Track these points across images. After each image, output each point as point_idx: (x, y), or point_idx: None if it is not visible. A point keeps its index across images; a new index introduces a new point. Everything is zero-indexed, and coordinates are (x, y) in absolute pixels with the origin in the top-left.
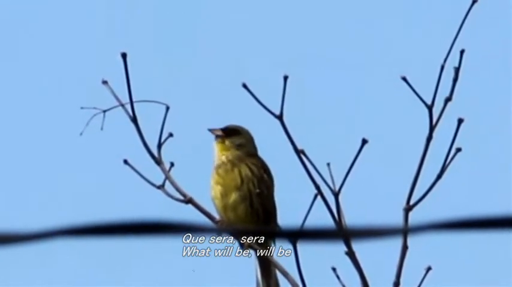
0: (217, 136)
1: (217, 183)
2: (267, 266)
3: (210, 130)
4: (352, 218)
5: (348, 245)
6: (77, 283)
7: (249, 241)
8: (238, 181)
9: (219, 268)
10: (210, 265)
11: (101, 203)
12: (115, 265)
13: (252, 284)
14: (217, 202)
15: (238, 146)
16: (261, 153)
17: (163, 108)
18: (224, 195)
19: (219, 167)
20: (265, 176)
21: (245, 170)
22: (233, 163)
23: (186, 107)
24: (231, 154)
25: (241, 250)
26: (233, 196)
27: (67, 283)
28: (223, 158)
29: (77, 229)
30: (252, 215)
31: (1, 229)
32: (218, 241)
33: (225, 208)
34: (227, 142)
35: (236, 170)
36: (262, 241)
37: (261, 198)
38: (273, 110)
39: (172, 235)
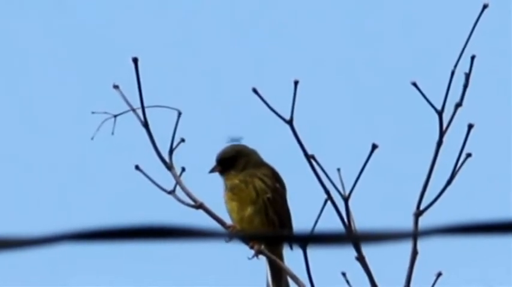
0: (219, 172)
1: (233, 200)
2: (277, 270)
3: (210, 172)
4: (362, 223)
5: (358, 250)
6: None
7: (260, 245)
8: (254, 195)
9: (230, 273)
10: (220, 269)
11: (112, 208)
12: (124, 270)
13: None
14: (234, 214)
15: (244, 167)
16: (271, 158)
17: (175, 113)
18: (240, 209)
19: (233, 188)
20: (277, 185)
21: (259, 184)
22: (246, 181)
23: (198, 112)
24: (242, 175)
25: (252, 255)
26: (249, 210)
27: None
28: (236, 181)
29: (84, 234)
30: (268, 226)
31: (9, 233)
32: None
33: (241, 220)
34: (233, 172)
35: (250, 186)
36: (273, 246)
37: (274, 206)
38: (283, 115)
39: (182, 239)
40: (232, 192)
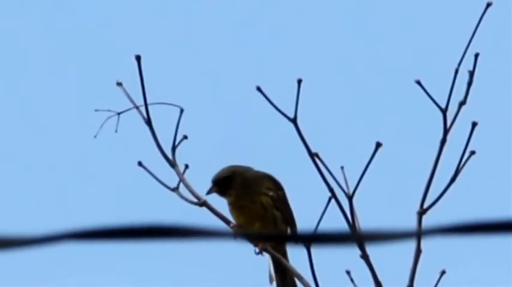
0: (216, 193)
1: (239, 217)
2: (281, 265)
3: (208, 194)
4: (366, 221)
5: (362, 249)
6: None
7: (264, 244)
8: (262, 211)
9: (232, 271)
10: (222, 268)
11: (115, 205)
12: (126, 269)
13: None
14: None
15: (243, 184)
16: (275, 156)
17: (178, 110)
18: (248, 223)
19: (240, 207)
20: (280, 193)
21: (266, 199)
22: (253, 200)
23: (201, 110)
24: (245, 194)
25: (257, 251)
26: (258, 224)
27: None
28: (242, 202)
29: (86, 233)
30: None
31: (10, 232)
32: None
33: None
34: (233, 191)
35: (258, 203)
36: (277, 245)
37: (282, 214)
38: (287, 113)
39: (186, 238)
40: (240, 211)
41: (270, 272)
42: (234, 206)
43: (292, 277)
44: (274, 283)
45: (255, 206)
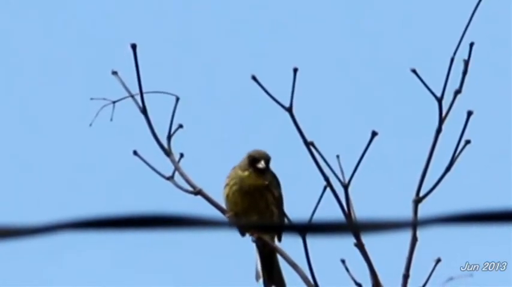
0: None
1: (237, 204)
2: (269, 258)
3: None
4: (361, 210)
5: (357, 238)
6: (80, 277)
7: (258, 233)
8: (263, 206)
9: (221, 262)
10: (213, 259)
11: (111, 194)
12: (119, 259)
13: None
14: (238, 207)
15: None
16: (271, 145)
17: (173, 99)
18: (246, 214)
19: (247, 193)
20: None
21: (270, 198)
22: (262, 194)
23: (196, 99)
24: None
25: (252, 241)
26: (255, 217)
27: (72, 277)
28: (251, 189)
29: (83, 222)
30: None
31: (8, 222)
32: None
33: (243, 212)
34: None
35: (263, 199)
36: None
37: (279, 212)
38: (282, 102)
39: (181, 228)
40: (244, 197)
41: (256, 269)
42: (243, 193)
43: (279, 272)
44: (261, 280)
45: (261, 200)
